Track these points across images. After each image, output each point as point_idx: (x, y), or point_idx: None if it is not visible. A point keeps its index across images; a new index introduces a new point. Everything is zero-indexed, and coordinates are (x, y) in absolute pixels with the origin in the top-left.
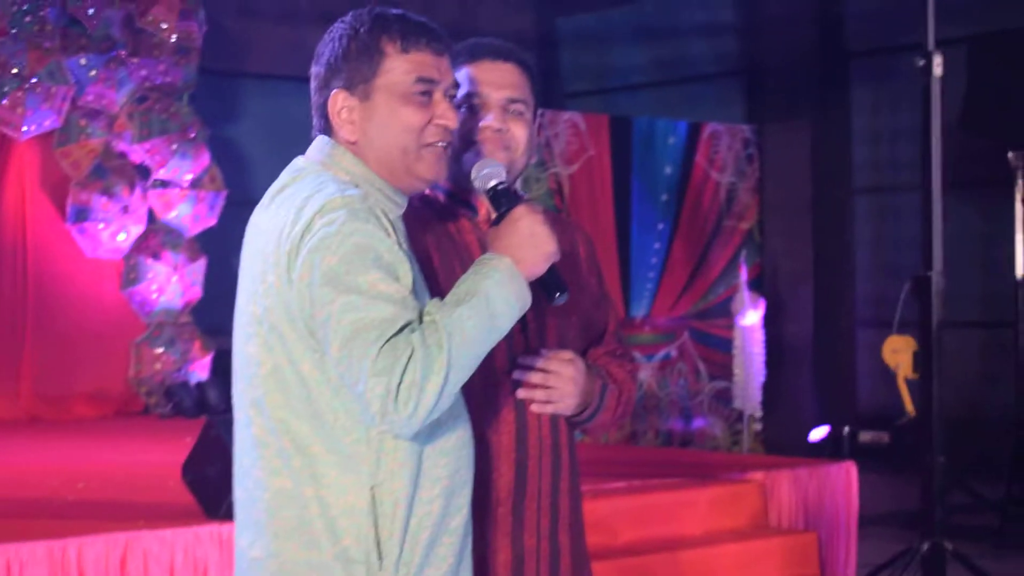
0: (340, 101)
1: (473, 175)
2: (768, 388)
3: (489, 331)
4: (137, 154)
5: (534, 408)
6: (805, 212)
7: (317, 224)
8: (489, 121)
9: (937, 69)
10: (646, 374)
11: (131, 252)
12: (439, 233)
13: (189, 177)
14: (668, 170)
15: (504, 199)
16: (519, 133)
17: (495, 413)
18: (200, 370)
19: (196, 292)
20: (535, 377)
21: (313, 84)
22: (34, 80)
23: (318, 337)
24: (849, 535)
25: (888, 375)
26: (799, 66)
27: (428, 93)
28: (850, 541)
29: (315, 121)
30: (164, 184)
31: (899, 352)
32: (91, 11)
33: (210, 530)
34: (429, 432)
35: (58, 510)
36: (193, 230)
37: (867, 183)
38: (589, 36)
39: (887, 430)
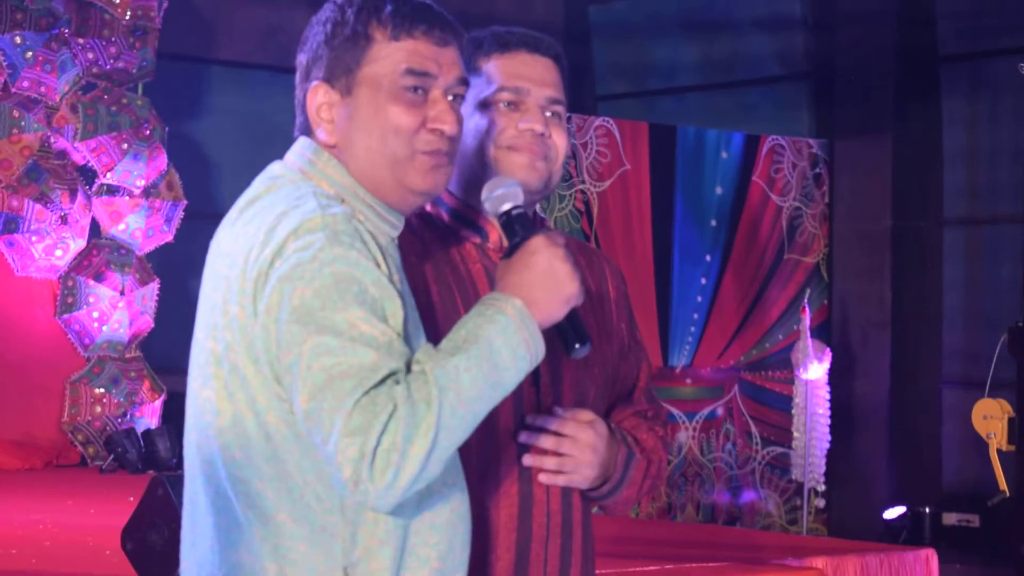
0: (320, 95)
1: (484, 195)
2: (833, 457)
3: (491, 387)
4: (80, 154)
5: (542, 479)
6: (883, 246)
7: (291, 248)
8: (530, 123)
9: None
10: (687, 435)
11: (69, 271)
12: (439, 260)
13: (142, 183)
14: (719, 190)
15: (519, 226)
16: (560, 141)
17: (495, 483)
18: (149, 416)
19: (146, 322)
20: (546, 442)
21: (297, 75)
22: None
23: (284, 384)
24: None
25: (979, 445)
26: (879, 70)
27: (422, 89)
28: None
29: (297, 118)
30: (112, 191)
31: (992, 418)
32: None
33: None
34: (417, 503)
35: None
36: (145, 247)
37: (959, 213)
38: (626, 28)
39: (976, 511)
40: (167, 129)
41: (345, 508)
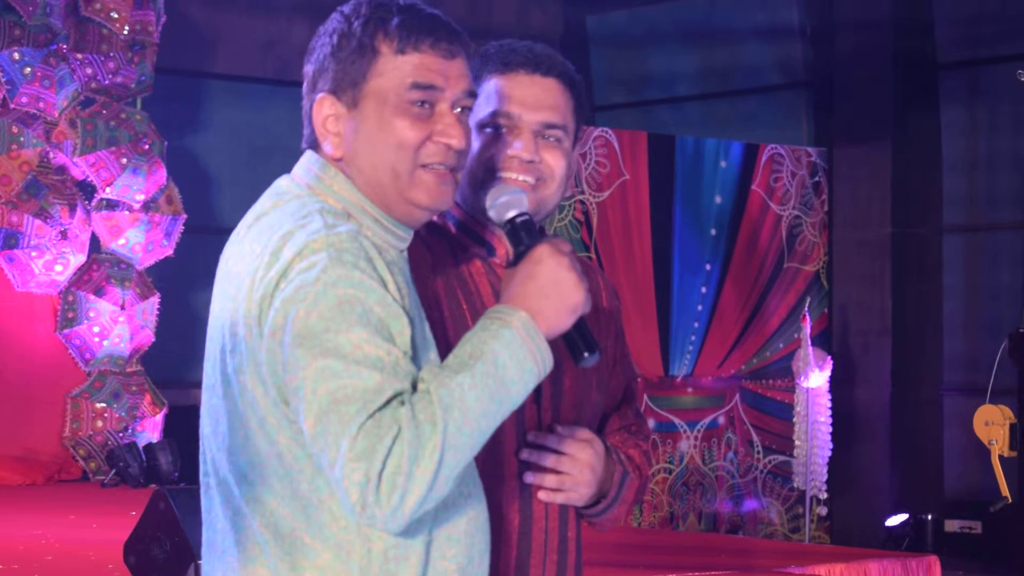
0: (326, 107)
1: (488, 203)
2: (835, 465)
3: (498, 403)
4: (80, 168)
5: (542, 496)
6: (883, 254)
7: (295, 269)
8: (516, 150)
9: None
10: (688, 444)
11: (70, 286)
12: (448, 273)
13: (141, 197)
14: (718, 199)
15: (524, 234)
16: (554, 164)
17: (496, 499)
18: (150, 430)
19: (147, 336)
20: (547, 460)
21: (304, 86)
22: None
23: (292, 406)
24: None
25: (981, 452)
26: (878, 78)
27: (429, 103)
28: None
29: (304, 130)
30: (111, 205)
31: (993, 425)
32: None
33: None
34: (435, 515)
35: None
36: (145, 261)
37: (959, 220)
38: (625, 38)
39: (978, 518)
40: (166, 143)
41: (361, 525)
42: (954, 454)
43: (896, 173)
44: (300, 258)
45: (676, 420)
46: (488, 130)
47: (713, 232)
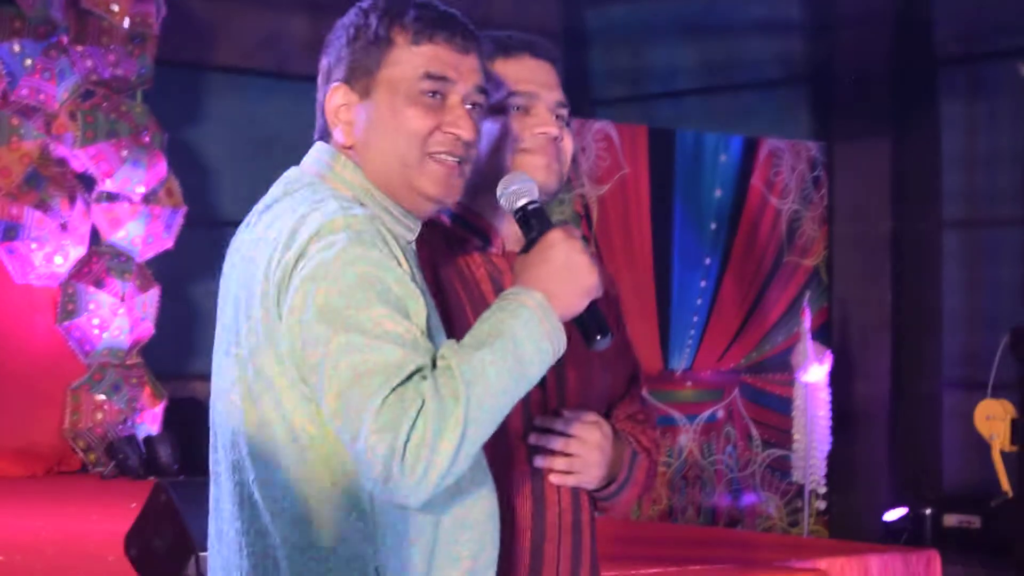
0: (339, 96)
1: (499, 191)
2: (834, 459)
3: (516, 380)
4: (80, 161)
5: (553, 479)
6: (883, 248)
7: (313, 248)
8: (545, 127)
9: None
10: (687, 438)
11: (69, 278)
12: (446, 265)
13: (142, 190)
14: (718, 194)
15: (536, 221)
16: (567, 144)
17: (508, 484)
18: (150, 422)
19: (147, 328)
20: (555, 443)
21: (319, 78)
22: None
23: (311, 383)
24: None
25: (981, 446)
26: (877, 73)
27: (440, 94)
28: None
29: (316, 121)
30: (111, 197)
31: (994, 419)
32: None
33: None
34: (446, 501)
35: None
36: (145, 254)
37: (959, 215)
38: (624, 32)
39: (978, 513)
40: (166, 136)
41: (374, 509)
42: (953, 449)
43: (896, 168)
44: (318, 238)
45: (675, 414)
46: (504, 112)
47: (713, 226)
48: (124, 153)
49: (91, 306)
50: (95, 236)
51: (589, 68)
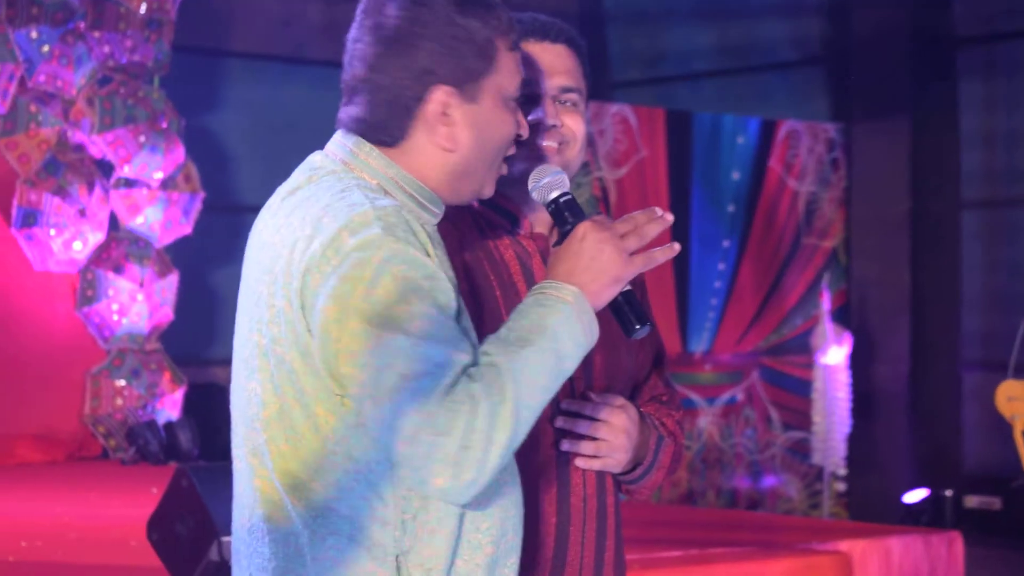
0: (445, 99)
1: (531, 184)
2: (854, 441)
3: (555, 376)
4: (98, 147)
5: (579, 463)
6: (901, 229)
7: (348, 244)
8: (540, 116)
9: None
10: (707, 421)
11: (89, 264)
12: (475, 247)
13: (159, 176)
14: (736, 176)
15: (568, 213)
16: (575, 127)
17: (534, 469)
18: (170, 407)
19: (166, 314)
20: (582, 427)
21: (382, 63)
22: None
23: (341, 380)
24: None
25: (1002, 427)
26: (895, 53)
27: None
28: None
29: (370, 112)
30: (129, 183)
31: (1016, 400)
32: None
33: None
34: None
35: None
36: (163, 239)
37: (978, 195)
38: (642, 14)
39: (999, 494)
40: (184, 121)
41: (396, 497)
42: (973, 430)
43: (914, 148)
44: (349, 232)
45: (694, 397)
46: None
47: (731, 209)
48: (142, 139)
49: (110, 292)
50: (114, 222)
51: (606, 50)
